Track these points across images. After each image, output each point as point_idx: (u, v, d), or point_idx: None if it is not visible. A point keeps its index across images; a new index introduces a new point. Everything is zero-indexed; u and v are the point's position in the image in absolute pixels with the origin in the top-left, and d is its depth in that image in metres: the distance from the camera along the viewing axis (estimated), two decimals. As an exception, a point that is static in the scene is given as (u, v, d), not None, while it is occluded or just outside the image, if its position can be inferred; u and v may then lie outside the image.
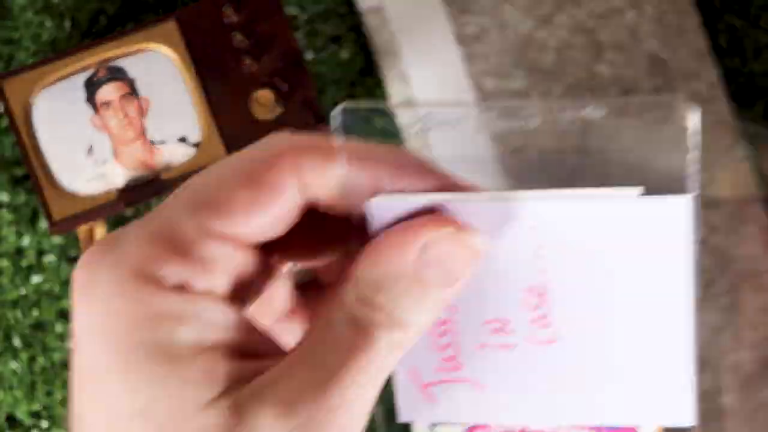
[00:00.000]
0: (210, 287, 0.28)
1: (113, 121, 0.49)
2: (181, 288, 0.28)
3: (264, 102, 0.49)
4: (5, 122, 0.52)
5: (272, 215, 0.29)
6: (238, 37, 0.49)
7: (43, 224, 0.52)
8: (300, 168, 0.30)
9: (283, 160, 0.30)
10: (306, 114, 0.50)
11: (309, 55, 0.53)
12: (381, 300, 0.28)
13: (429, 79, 0.53)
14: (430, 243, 0.29)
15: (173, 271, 0.28)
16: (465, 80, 0.53)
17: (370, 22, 0.53)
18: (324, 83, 0.53)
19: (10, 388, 0.53)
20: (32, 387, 0.53)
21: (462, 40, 0.53)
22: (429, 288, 0.29)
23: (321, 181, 0.30)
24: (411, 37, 0.53)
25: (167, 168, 0.49)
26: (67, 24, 0.53)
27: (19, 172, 0.52)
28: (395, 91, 0.53)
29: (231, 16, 0.49)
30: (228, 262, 0.29)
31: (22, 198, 0.52)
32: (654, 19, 0.53)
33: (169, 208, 0.29)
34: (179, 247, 0.28)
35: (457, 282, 0.29)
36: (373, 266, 0.29)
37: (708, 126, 0.53)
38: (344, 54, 0.54)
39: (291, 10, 0.53)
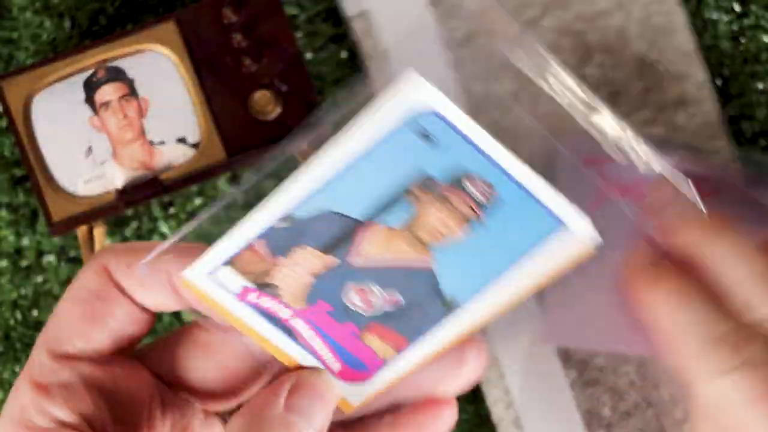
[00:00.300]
0: (75, 411, 0.35)
1: (112, 122, 0.49)
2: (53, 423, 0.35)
3: (264, 102, 0.49)
4: (4, 122, 0.52)
5: (110, 326, 0.37)
6: (237, 38, 0.49)
7: (42, 225, 0.52)
8: (116, 276, 0.37)
9: (102, 274, 0.37)
10: (306, 114, 0.50)
11: (309, 55, 0.53)
12: None
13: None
14: (292, 394, 0.35)
15: (43, 411, 0.35)
16: (453, 84, 0.53)
17: (357, 27, 0.53)
18: (324, 83, 0.53)
19: (10, 388, 0.53)
20: (31, 388, 0.53)
21: (449, 44, 0.53)
22: (292, 426, 0.34)
23: (134, 282, 0.37)
24: (398, 42, 0.53)
25: (167, 168, 0.49)
26: (67, 24, 0.52)
27: (18, 172, 0.52)
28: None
29: (231, 16, 0.49)
30: (89, 379, 0.36)
31: (21, 198, 0.52)
32: (641, 20, 0.53)
33: (33, 355, 0.37)
34: (44, 386, 0.35)
35: (318, 423, 0.35)
36: (243, 417, 0.35)
37: (697, 127, 0.54)
38: (344, 54, 0.54)
39: (291, 10, 0.53)
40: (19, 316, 0.53)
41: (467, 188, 0.35)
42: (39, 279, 0.53)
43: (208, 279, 0.36)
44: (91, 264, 0.37)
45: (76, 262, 0.53)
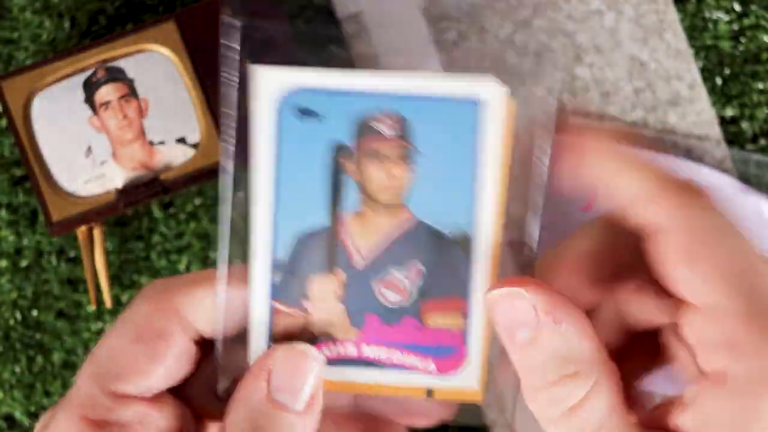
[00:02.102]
0: None
1: (112, 122, 0.49)
2: None
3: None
4: (4, 122, 0.52)
5: (167, 363, 0.36)
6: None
7: (42, 225, 0.52)
8: (177, 310, 0.36)
9: (163, 309, 0.36)
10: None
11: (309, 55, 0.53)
12: None
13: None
14: (272, 372, 0.35)
15: None
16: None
17: (349, 29, 0.53)
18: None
19: (9, 388, 0.53)
20: (31, 388, 0.53)
21: (441, 45, 0.53)
22: (282, 409, 0.35)
23: (200, 314, 0.37)
24: (390, 43, 0.53)
25: (166, 168, 0.49)
26: (67, 24, 0.52)
27: (18, 172, 0.52)
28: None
29: (230, 16, 0.49)
30: (145, 419, 0.36)
31: (21, 198, 0.52)
32: (633, 20, 0.53)
33: (82, 387, 0.36)
34: (99, 423, 0.35)
35: (304, 395, 0.35)
36: (235, 412, 0.35)
37: (689, 127, 0.53)
38: (344, 54, 0.54)
39: (291, 10, 0.53)
40: (18, 316, 0.53)
41: (380, 130, 0.35)
42: (39, 279, 0.53)
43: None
44: (150, 298, 0.37)
45: (76, 262, 0.53)
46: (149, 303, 0.37)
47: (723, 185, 0.51)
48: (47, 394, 0.53)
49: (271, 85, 0.35)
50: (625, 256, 0.38)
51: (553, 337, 0.34)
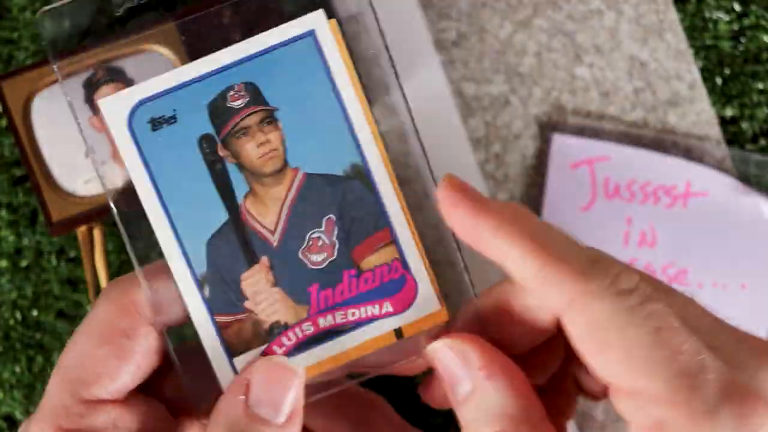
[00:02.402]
0: None
1: (112, 122, 0.49)
2: None
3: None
4: (4, 122, 0.52)
5: (135, 360, 0.36)
6: (237, 38, 0.49)
7: (42, 225, 0.52)
8: (138, 305, 0.36)
9: (124, 306, 0.36)
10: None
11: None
12: None
13: (409, 85, 0.53)
14: (251, 386, 0.35)
15: None
16: (445, 86, 0.53)
17: (349, 29, 0.53)
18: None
19: (10, 388, 0.53)
20: (31, 388, 0.53)
21: (441, 45, 0.53)
22: (257, 420, 0.34)
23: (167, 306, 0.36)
24: (390, 44, 0.53)
25: (166, 168, 0.49)
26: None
27: (17, 172, 0.52)
28: (376, 98, 0.53)
29: (230, 16, 0.49)
30: (118, 421, 0.36)
31: (20, 198, 0.52)
32: (633, 20, 0.53)
33: (53, 396, 0.36)
34: (65, 429, 0.35)
35: (286, 411, 0.35)
36: (213, 428, 0.34)
37: (689, 127, 0.53)
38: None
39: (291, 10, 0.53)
40: (18, 316, 0.53)
41: (232, 105, 0.35)
42: (39, 279, 0.53)
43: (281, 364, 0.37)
44: (111, 298, 0.37)
45: (76, 262, 0.53)
46: (111, 303, 0.36)
47: (722, 185, 0.51)
48: (47, 394, 0.53)
49: (117, 111, 0.36)
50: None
51: (486, 392, 0.34)
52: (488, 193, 0.53)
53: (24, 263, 0.53)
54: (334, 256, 0.36)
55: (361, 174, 0.36)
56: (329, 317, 0.37)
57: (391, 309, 0.37)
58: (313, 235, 0.36)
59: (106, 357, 0.36)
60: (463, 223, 0.35)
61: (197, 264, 0.36)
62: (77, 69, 0.49)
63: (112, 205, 0.36)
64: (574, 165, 0.52)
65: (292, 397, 0.35)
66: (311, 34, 0.36)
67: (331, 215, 0.36)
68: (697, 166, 0.51)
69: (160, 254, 0.36)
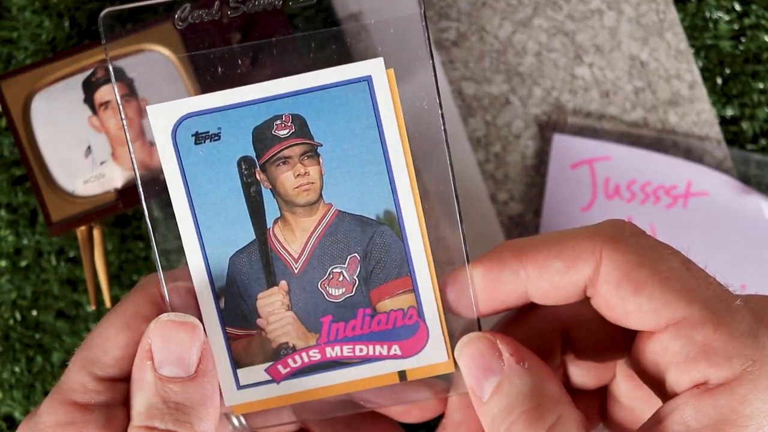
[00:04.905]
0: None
1: (112, 122, 0.49)
2: None
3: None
4: (4, 123, 0.52)
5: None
6: (237, 38, 0.49)
7: (41, 225, 0.52)
8: (163, 297, 0.37)
9: (150, 296, 0.37)
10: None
11: (309, 55, 0.53)
12: (152, 422, 0.35)
13: (409, 85, 0.53)
14: (153, 350, 0.35)
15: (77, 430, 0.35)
16: (445, 86, 0.53)
17: (349, 28, 0.53)
18: (323, 83, 0.53)
19: (9, 388, 0.53)
20: (31, 388, 0.53)
21: (441, 45, 0.53)
22: (166, 380, 0.35)
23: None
24: (390, 43, 0.53)
25: (166, 168, 0.49)
26: (66, 24, 0.52)
27: (17, 172, 0.52)
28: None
29: (230, 16, 0.49)
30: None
31: (20, 198, 0.52)
32: (633, 20, 0.53)
33: (72, 373, 0.37)
34: (86, 406, 0.36)
35: (192, 363, 0.35)
36: (134, 401, 0.36)
37: (689, 127, 0.53)
38: (344, 54, 0.54)
39: (291, 10, 0.53)
40: (18, 316, 0.53)
41: (277, 134, 0.36)
42: (38, 279, 0.53)
43: (256, 391, 0.37)
44: (141, 289, 0.38)
45: (76, 262, 0.53)
46: (140, 293, 0.38)
47: (723, 185, 0.51)
48: (47, 394, 0.53)
49: (164, 119, 0.36)
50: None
51: (518, 377, 0.34)
52: (488, 193, 0.53)
53: (23, 263, 0.53)
54: (352, 293, 0.37)
55: (393, 221, 0.37)
56: (337, 348, 0.37)
57: (399, 352, 0.37)
58: (335, 270, 0.37)
59: (127, 341, 0.37)
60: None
61: (218, 276, 0.37)
62: (77, 69, 0.49)
63: (144, 208, 0.37)
64: (574, 165, 0.51)
65: (195, 350, 0.36)
66: (367, 79, 0.36)
67: (356, 254, 0.37)
68: (698, 166, 0.51)
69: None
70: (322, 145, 0.36)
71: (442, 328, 0.37)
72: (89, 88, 0.49)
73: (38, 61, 0.49)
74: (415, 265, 0.37)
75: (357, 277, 0.37)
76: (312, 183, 0.36)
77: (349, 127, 0.36)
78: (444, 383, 0.39)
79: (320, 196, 0.37)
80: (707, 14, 0.53)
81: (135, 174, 0.38)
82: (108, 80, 0.49)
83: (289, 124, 0.36)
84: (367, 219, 0.37)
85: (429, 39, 0.38)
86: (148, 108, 0.37)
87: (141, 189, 0.37)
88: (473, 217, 0.53)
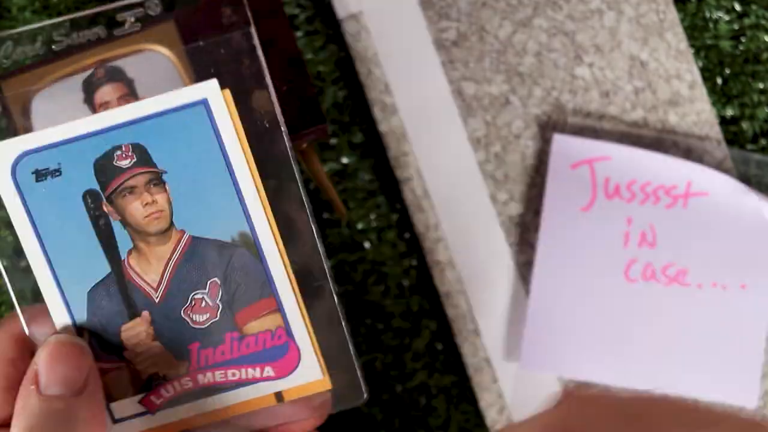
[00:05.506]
0: None
1: (111, 122, 0.49)
2: None
3: (263, 102, 0.49)
4: (4, 123, 0.52)
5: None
6: (237, 38, 0.49)
7: (42, 224, 0.52)
8: (27, 336, 0.36)
9: (13, 336, 0.37)
10: (306, 114, 0.50)
11: (309, 55, 0.53)
12: None
13: (409, 85, 0.53)
14: (38, 374, 0.35)
15: None
16: (445, 86, 0.53)
17: (349, 29, 0.53)
18: (324, 83, 0.53)
19: (9, 388, 0.53)
20: (31, 387, 0.53)
21: (441, 45, 0.53)
22: (52, 399, 0.34)
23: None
24: (390, 43, 0.53)
25: (166, 168, 0.49)
26: (66, 24, 0.52)
27: (17, 172, 0.52)
28: (376, 98, 0.53)
29: (230, 16, 0.49)
30: None
31: (20, 198, 0.52)
32: (633, 20, 0.53)
33: None
34: None
35: (79, 382, 0.34)
36: (14, 427, 0.34)
37: (689, 127, 0.53)
38: (344, 54, 0.54)
39: (291, 10, 0.53)
40: (18, 315, 0.53)
41: (118, 165, 0.36)
42: (39, 279, 0.53)
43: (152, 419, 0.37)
44: (4, 330, 0.37)
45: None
46: (3, 333, 0.37)
47: (723, 185, 0.51)
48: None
49: (1, 159, 0.36)
50: None
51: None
52: (488, 193, 0.53)
53: (24, 263, 0.53)
54: (217, 318, 0.37)
55: (248, 242, 0.36)
56: (209, 375, 0.37)
57: (272, 373, 0.37)
58: (197, 296, 0.36)
59: None
60: None
61: (77, 312, 0.36)
62: (77, 69, 0.49)
63: None
64: (574, 165, 0.52)
65: (82, 369, 0.35)
66: (203, 102, 0.36)
67: (215, 278, 0.36)
68: (698, 166, 0.51)
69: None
70: (166, 172, 0.36)
71: (312, 345, 0.37)
72: (89, 88, 0.49)
73: (39, 61, 0.49)
74: (277, 284, 0.37)
75: (220, 301, 0.36)
76: (161, 211, 0.36)
77: (192, 151, 0.36)
78: (322, 398, 0.38)
79: (171, 223, 0.36)
80: (707, 14, 0.53)
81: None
82: (108, 80, 0.49)
83: (129, 153, 0.36)
84: (222, 242, 0.36)
85: (261, 57, 0.38)
86: None
87: None
88: (473, 217, 0.53)
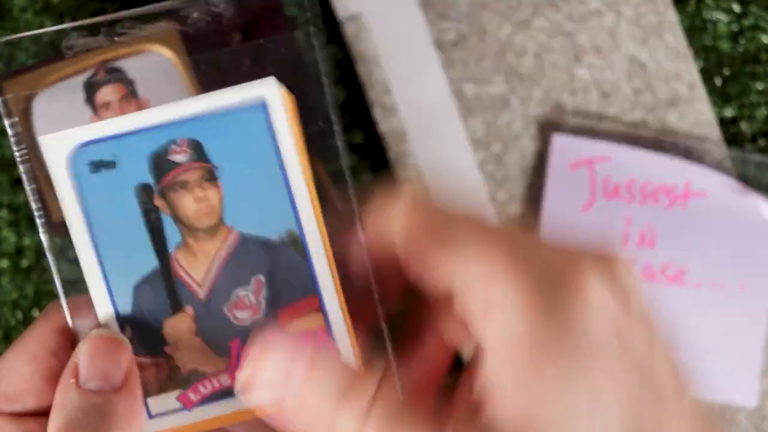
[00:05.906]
0: None
1: (112, 122, 0.49)
2: None
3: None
4: (4, 123, 0.52)
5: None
6: (237, 38, 0.49)
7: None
8: (71, 328, 0.36)
9: (58, 328, 0.36)
10: (305, 114, 0.50)
11: (309, 55, 0.53)
12: None
13: (409, 85, 0.53)
14: (78, 367, 0.35)
15: None
16: (445, 86, 0.53)
17: (349, 30, 0.53)
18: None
19: (10, 388, 0.53)
20: (32, 387, 0.53)
21: (441, 46, 0.53)
22: (90, 394, 0.34)
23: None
24: (390, 44, 0.53)
25: (166, 169, 0.49)
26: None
27: (18, 173, 0.52)
28: (376, 98, 0.53)
29: (230, 16, 0.49)
30: None
31: (21, 199, 0.52)
32: (632, 20, 0.53)
33: None
34: None
35: (118, 377, 0.35)
36: (53, 420, 0.35)
37: (689, 127, 0.54)
38: (344, 54, 0.54)
39: (291, 10, 0.53)
40: (19, 316, 0.53)
41: (174, 159, 0.36)
42: (40, 279, 0.53)
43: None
44: (48, 319, 0.37)
45: (76, 263, 0.53)
46: (47, 323, 0.37)
47: (722, 186, 0.51)
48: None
49: (59, 149, 0.36)
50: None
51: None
52: (488, 193, 0.53)
53: (25, 263, 0.53)
54: (260, 315, 0.37)
55: (296, 242, 0.36)
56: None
57: None
58: (240, 293, 0.37)
59: (32, 374, 0.36)
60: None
61: (122, 305, 0.36)
62: (78, 70, 0.49)
63: (43, 238, 0.37)
64: (573, 165, 0.52)
65: (121, 364, 0.35)
66: (262, 101, 0.36)
67: (260, 276, 0.37)
68: (697, 167, 0.52)
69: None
70: (219, 168, 0.36)
71: (353, 348, 0.37)
72: (90, 88, 0.49)
73: (39, 62, 0.49)
74: (321, 284, 0.37)
75: (263, 298, 0.37)
76: (212, 206, 0.36)
77: (247, 150, 0.36)
78: None
79: (220, 219, 0.36)
80: (706, 15, 0.53)
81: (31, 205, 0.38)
82: (109, 81, 0.49)
83: (185, 148, 0.36)
84: (269, 241, 0.36)
85: (323, 58, 0.38)
86: (41, 139, 0.37)
87: (38, 220, 0.38)
88: (473, 217, 0.53)
